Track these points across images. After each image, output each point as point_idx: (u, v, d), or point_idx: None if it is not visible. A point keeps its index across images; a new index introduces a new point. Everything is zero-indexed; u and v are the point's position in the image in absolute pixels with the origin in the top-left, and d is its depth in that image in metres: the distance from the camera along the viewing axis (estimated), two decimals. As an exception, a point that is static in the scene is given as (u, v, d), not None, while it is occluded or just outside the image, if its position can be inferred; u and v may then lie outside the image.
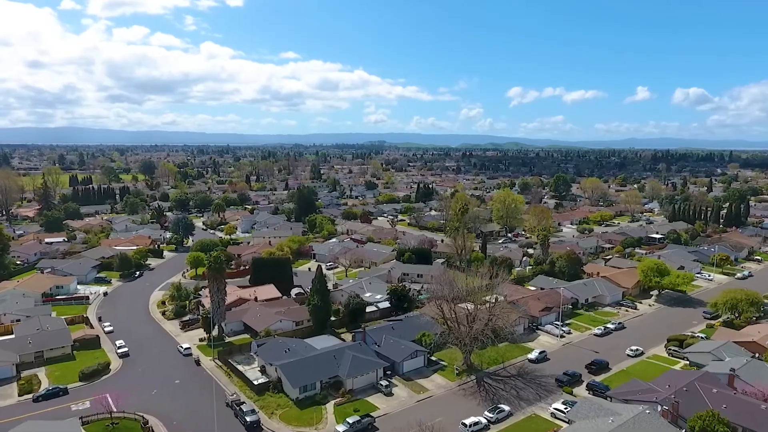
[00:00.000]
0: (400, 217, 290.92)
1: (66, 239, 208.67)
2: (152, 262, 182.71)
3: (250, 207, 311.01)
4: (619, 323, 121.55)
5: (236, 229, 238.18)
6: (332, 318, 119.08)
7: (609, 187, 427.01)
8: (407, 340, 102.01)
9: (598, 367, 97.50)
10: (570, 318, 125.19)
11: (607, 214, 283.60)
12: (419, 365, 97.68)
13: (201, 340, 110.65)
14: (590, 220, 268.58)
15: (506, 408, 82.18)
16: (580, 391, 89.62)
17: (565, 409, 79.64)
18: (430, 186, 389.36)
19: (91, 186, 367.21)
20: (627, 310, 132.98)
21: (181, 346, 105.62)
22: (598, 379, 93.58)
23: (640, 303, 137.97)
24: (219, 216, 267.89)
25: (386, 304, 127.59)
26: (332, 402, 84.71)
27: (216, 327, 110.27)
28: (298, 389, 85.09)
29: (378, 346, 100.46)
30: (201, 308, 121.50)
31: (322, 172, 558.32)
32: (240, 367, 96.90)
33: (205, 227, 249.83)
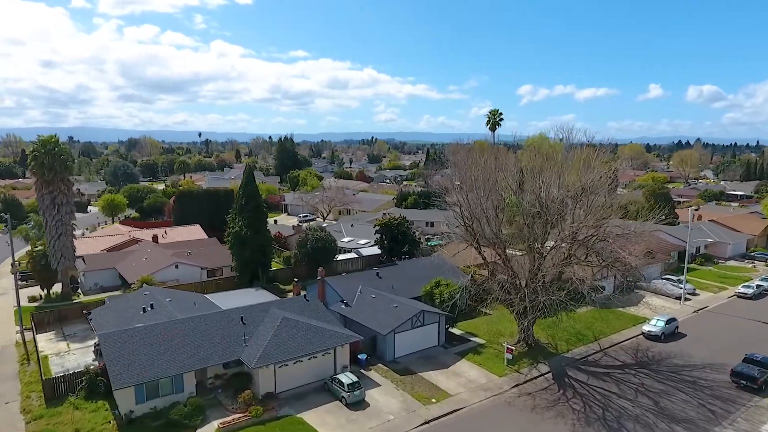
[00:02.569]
0: (405, 183, 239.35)
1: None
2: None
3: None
4: (772, 279, 70.76)
5: (200, 187, 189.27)
6: (279, 267, 69.76)
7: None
8: (404, 297, 52.13)
9: (798, 347, 46.90)
10: (680, 273, 74.43)
11: (661, 176, 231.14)
12: (429, 343, 47.58)
13: (34, 299, 61.62)
14: (640, 183, 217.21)
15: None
16: (802, 398, 39.20)
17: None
18: (442, 153, 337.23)
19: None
20: (766, 264, 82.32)
21: (-25, 309, 56.45)
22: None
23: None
24: (184, 177, 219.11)
25: (373, 251, 77.41)
26: (216, 422, 34.94)
27: (60, 277, 60.98)
28: (135, 391, 35.24)
29: (346, 305, 50.59)
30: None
31: (323, 152, 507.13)
32: (63, 345, 47.67)
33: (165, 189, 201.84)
